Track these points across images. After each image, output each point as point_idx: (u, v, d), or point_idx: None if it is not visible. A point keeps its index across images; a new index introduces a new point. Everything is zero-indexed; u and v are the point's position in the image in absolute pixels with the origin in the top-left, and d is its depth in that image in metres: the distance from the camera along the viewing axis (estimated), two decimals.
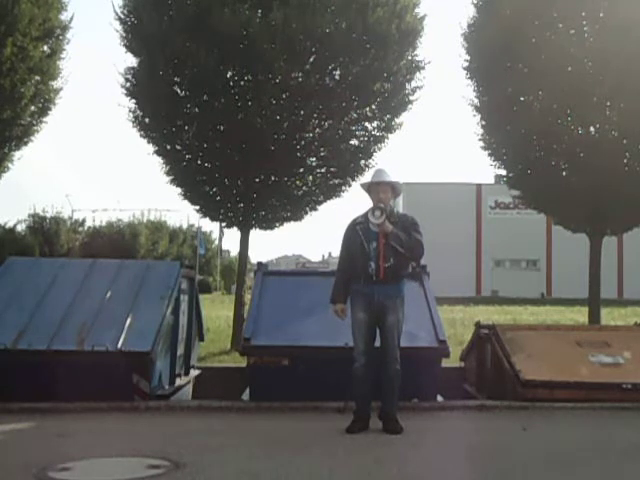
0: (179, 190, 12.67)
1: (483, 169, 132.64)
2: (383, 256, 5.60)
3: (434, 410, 6.62)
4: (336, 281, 5.91)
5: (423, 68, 12.01)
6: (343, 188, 12.74)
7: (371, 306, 5.64)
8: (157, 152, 12.27)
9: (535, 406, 6.55)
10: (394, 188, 5.92)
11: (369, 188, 5.92)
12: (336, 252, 6.14)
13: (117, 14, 11.59)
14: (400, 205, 37.48)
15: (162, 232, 43.06)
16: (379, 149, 12.38)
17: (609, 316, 17.36)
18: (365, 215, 5.83)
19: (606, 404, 6.59)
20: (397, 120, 12.20)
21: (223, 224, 13.81)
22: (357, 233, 5.75)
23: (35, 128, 13.73)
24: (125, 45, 11.74)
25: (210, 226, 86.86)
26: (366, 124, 12.24)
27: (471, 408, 6.88)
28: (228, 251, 65.21)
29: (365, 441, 5.34)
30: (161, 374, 7.21)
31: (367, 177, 9.10)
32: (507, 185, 13.65)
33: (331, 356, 6.32)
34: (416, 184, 39.73)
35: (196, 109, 11.76)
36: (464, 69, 12.67)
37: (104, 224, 39.66)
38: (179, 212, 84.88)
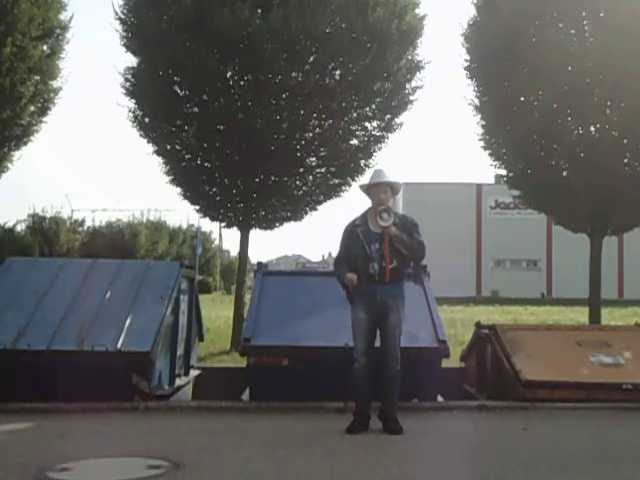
0: (179, 190, 12.67)
1: (483, 169, 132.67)
2: (388, 258, 5.61)
3: (434, 410, 6.62)
4: (336, 265, 5.91)
5: (423, 68, 12.03)
6: (343, 188, 12.73)
7: (373, 306, 5.64)
8: (157, 152, 12.26)
9: (535, 406, 6.56)
10: (393, 188, 5.94)
11: (368, 189, 5.92)
12: (336, 252, 6.14)
13: (117, 14, 11.59)
14: (400, 205, 37.51)
15: (162, 232, 42.97)
16: (379, 149, 12.39)
17: (609, 316, 17.35)
18: (364, 216, 5.84)
19: (606, 404, 6.60)
20: (397, 120, 12.21)
21: (223, 224, 13.79)
22: (357, 235, 5.73)
23: (35, 128, 13.69)
24: (125, 45, 11.74)
25: (210, 226, 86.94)
26: (366, 124, 12.23)
27: (471, 408, 6.88)
28: (228, 251, 65.23)
29: (365, 441, 5.34)
30: (161, 374, 7.20)
31: (367, 177, 9.09)
32: (507, 185, 13.66)
33: (331, 356, 6.32)
34: (416, 184, 39.76)
35: (196, 109, 11.76)
36: (464, 69, 12.67)
37: (104, 224, 39.64)
38: (179, 212, 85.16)
